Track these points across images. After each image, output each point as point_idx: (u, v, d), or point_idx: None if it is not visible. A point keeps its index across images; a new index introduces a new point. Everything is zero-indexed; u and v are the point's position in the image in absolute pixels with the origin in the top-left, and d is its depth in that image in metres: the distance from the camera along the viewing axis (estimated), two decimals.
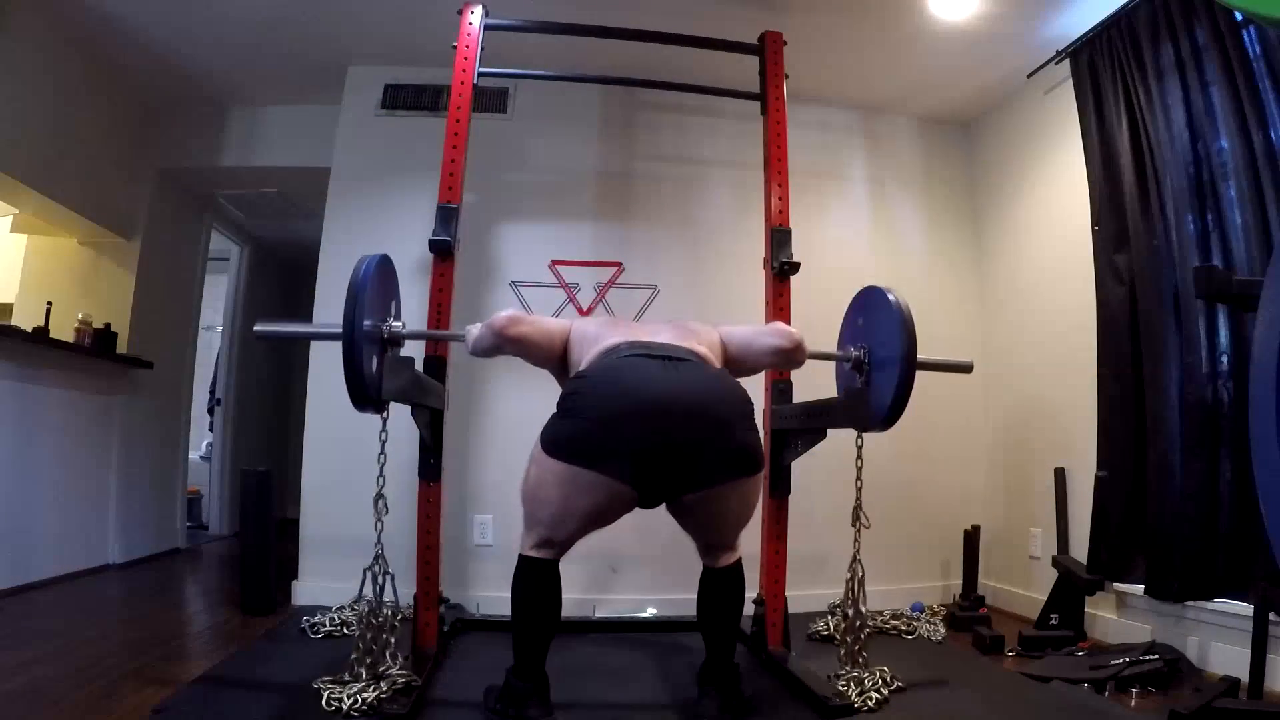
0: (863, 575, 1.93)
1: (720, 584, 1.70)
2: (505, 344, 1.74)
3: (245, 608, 2.61)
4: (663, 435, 1.46)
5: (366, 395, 1.61)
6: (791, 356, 1.84)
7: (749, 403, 1.59)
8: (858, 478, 1.94)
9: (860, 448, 1.94)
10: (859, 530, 1.92)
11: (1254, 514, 1.85)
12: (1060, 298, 2.87)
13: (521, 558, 1.61)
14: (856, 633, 1.93)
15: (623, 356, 1.59)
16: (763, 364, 1.92)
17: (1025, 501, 3.01)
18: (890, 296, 1.84)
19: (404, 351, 1.91)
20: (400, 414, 1.85)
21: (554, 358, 1.78)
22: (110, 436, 3.37)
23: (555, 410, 1.58)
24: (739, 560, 1.72)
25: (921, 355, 1.78)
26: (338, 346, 1.56)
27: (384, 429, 1.79)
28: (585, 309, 3.02)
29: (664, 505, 1.62)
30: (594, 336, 1.71)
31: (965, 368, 2.10)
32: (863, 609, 1.94)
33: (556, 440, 1.53)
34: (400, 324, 1.85)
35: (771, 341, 1.83)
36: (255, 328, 1.84)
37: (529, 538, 1.61)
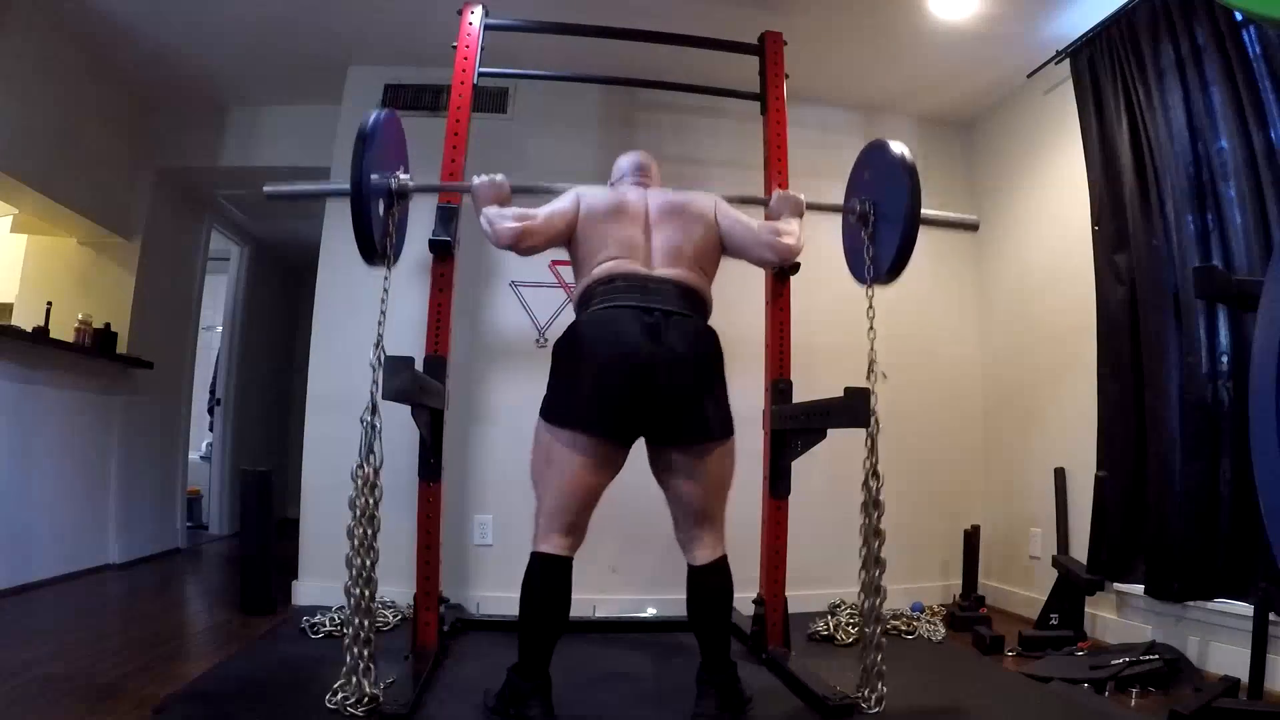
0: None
1: (706, 581, 1.70)
2: (517, 252, 1.80)
3: (245, 608, 2.60)
4: (644, 400, 1.60)
5: (375, 247, 1.60)
6: (783, 263, 1.96)
7: (720, 365, 1.71)
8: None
9: (871, 298, 1.94)
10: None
11: (1254, 514, 1.85)
12: (1060, 298, 2.87)
13: (534, 555, 1.62)
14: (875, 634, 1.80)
15: (612, 307, 1.66)
16: (753, 261, 1.96)
17: (1025, 501, 3.01)
18: (896, 149, 1.86)
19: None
20: (401, 414, 1.85)
21: (562, 241, 1.83)
22: (110, 436, 3.37)
23: (549, 378, 1.69)
24: (723, 557, 1.72)
25: (926, 210, 1.78)
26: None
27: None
28: None
29: (654, 484, 1.72)
30: (597, 240, 1.76)
31: (971, 225, 2.12)
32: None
33: (554, 408, 1.66)
34: (407, 176, 1.84)
35: (767, 255, 1.90)
36: (265, 188, 1.84)
37: (543, 527, 1.63)
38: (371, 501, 1.66)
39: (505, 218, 1.78)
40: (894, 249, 1.83)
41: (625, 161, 2.03)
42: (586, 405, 1.61)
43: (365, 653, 1.63)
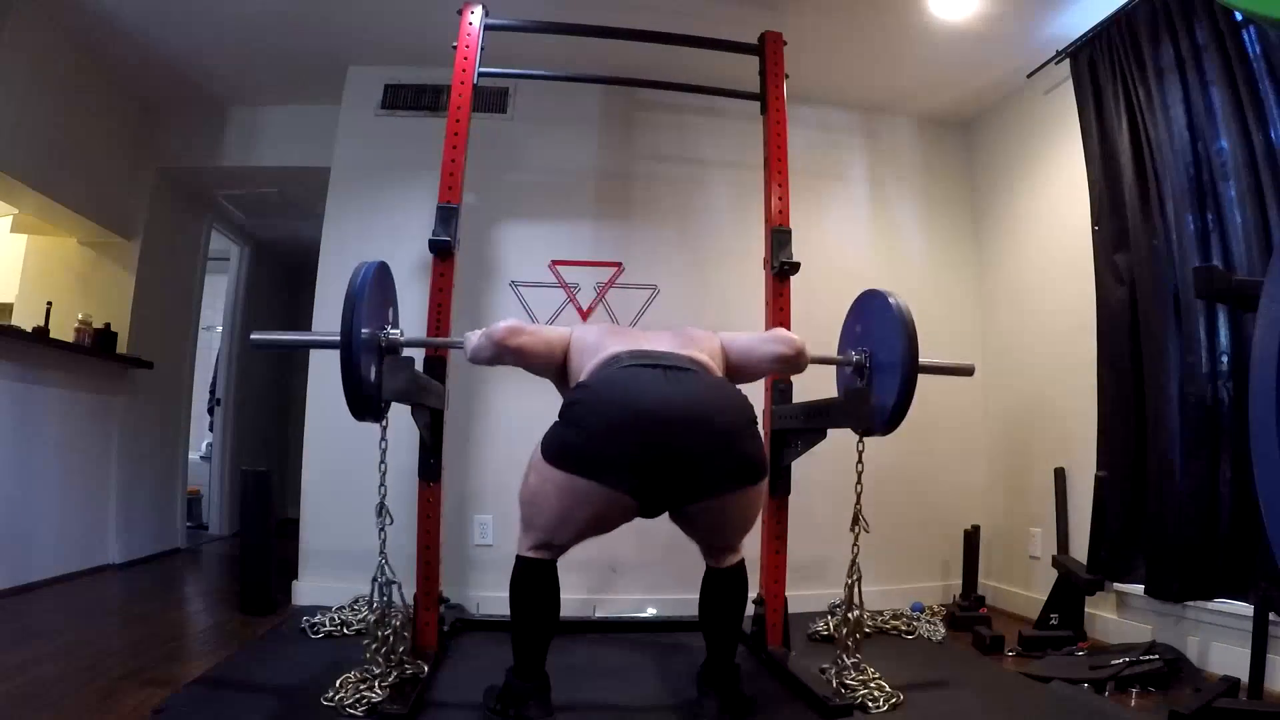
0: (859, 577, 1.89)
1: (722, 584, 1.70)
2: (505, 354, 1.71)
3: (245, 608, 2.60)
4: (664, 446, 1.46)
5: (365, 405, 1.61)
6: (793, 363, 1.83)
7: (750, 409, 1.58)
8: (858, 481, 1.92)
9: (861, 452, 1.92)
10: (858, 535, 1.90)
11: (1254, 514, 1.85)
12: (1060, 298, 2.87)
13: (519, 558, 1.61)
14: (854, 632, 1.91)
15: (624, 366, 1.58)
16: (764, 370, 1.90)
17: (1025, 501, 3.01)
18: (891, 300, 1.85)
19: (403, 353, 1.91)
20: (400, 414, 1.85)
21: (554, 366, 1.76)
22: (110, 436, 3.37)
23: (557, 419, 1.56)
24: (741, 561, 1.72)
25: (923, 359, 1.78)
26: (338, 361, 1.57)
27: (384, 438, 1.78)
28: (585, 309, 3.02)
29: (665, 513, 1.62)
30: (594, 345, 1.69)
31: (967, 371, 2.10)
32: (854, 613, 1.89)
33: (557, 449, 1.52)
34: (398, 331, 1.85)
35: (773, 349, 1.82)
36: (251, 337, 1.84)
37: (526, 539, 1.61)
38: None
39: (496, 325, 1.71)
40: (893, 400, 1.77)
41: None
42: (593, 450, 1.48)
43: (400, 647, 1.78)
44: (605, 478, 1.47)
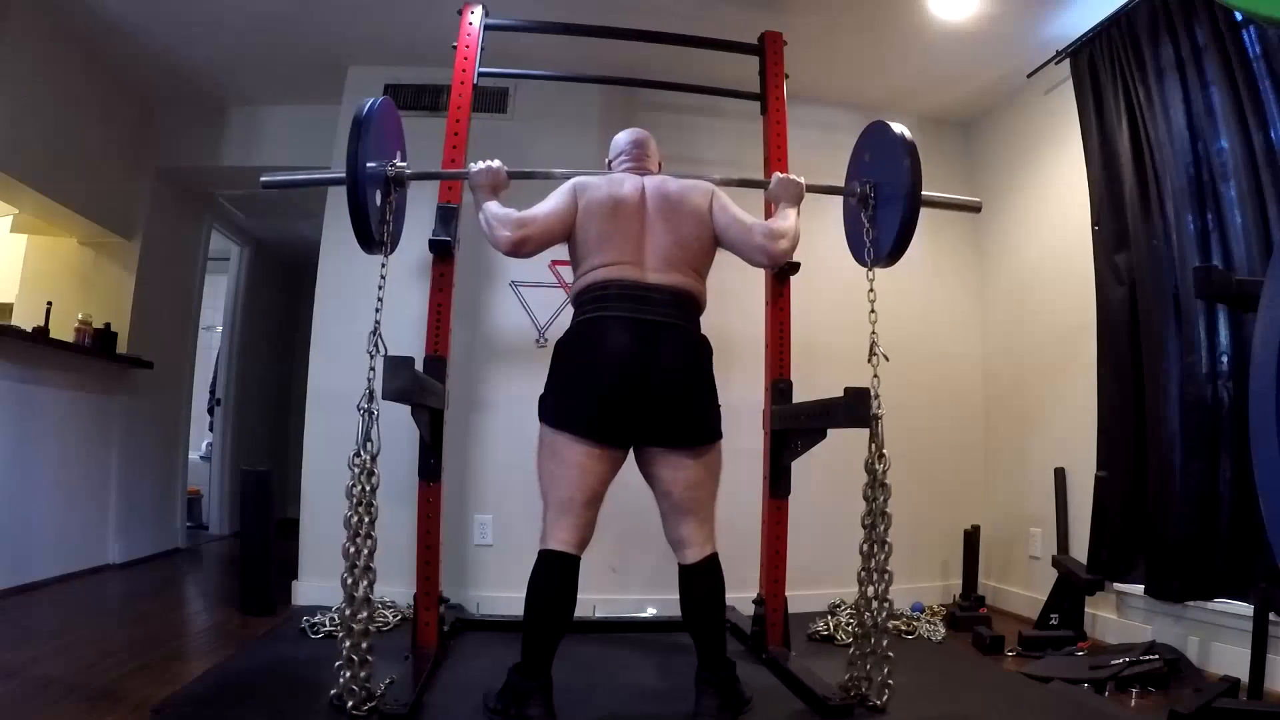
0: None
1: (697, 580, 1.70)
2: (517, 257, 1.82)
3: (245, 608, 2.60)
4: (627, 400, 1.65)
5: (372, 235, 1.62)
6: (776, 261, 1.94)
7: (709, 376, 1.76)
8: (873, 328, 1.86)
9: (874, 318, 1.89)
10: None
11: (1254, 514, 1.85)
12: (1060, 298, 2.87)
13: (543, 553, 1.63)
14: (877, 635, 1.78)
15: (607, 316, 1.68)
16: (748, 262, 1.93)
17: (1025, 501, 3.01)
18: (896, 130, 1.87)
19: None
20: (401, 414, 1.85)
21: (562, 240, 1.83)
22: (110, 436, 3.37)
23: (547, 379, 1.74)
24: (714, 554, 1.72)
25: (927, 192, 1.79)
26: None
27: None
28: None
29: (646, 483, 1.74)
30: (595, 241, 1.77)
31: (974, 207, 2.12)
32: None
33: (548, 411, 1.72)
34: (404, 164, 1.85)
35: (758, 259, 1.87)
36: (262, 179, 1.85)
37: (550, 524, 1.65)
38: (369, 489, 1.66)
39: (504, 224, 1.75)
40: (895, 230, 1.83)
41: (623, 138, 2.02)
42: (579, 410, 1.66)
43: (364, 645, 1.62)
44: (587, 432, 1.66)
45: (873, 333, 1.87)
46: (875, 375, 1.79)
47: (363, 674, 1.62)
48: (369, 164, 1.64)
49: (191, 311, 4.07)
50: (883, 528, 1.75)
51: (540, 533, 1.67)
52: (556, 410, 1.70)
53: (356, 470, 1.65)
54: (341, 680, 1.68)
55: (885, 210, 1.89)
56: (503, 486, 2.83)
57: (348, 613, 1.61)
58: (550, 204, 1.80)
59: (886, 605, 1.75)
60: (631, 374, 1.64)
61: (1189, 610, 2.21)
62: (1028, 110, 3.12)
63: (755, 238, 1.82)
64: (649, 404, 1.66)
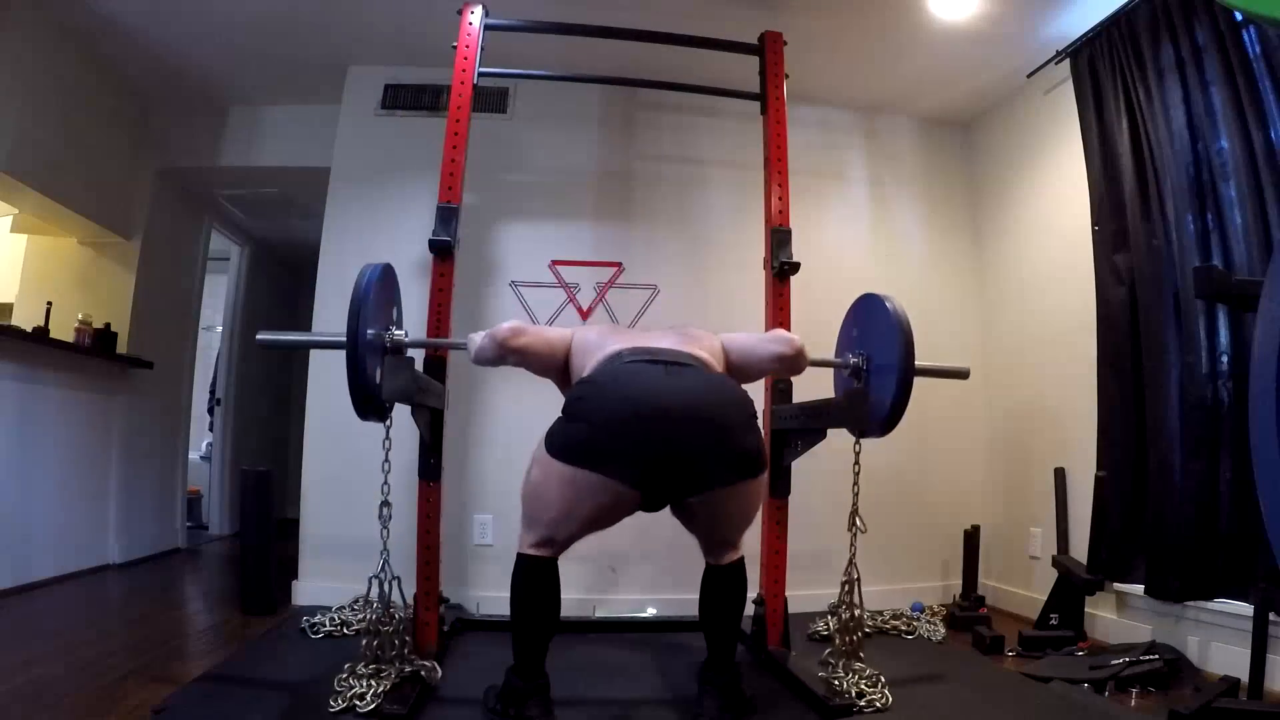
0: (859, 578, 1.92)
1: (722, 582, 1.70)
2: (507, 355, 1.74)
3: (245, 608, 2.60)
4: (666, 440, 1.47)
5: (370, 404, 1.62)
6: (793, 363, 1.83)
7: (750, 404, 1.59)
8: (855, 482, 1.95)
9: (858, 452, 1.95)
10: (855, 535, 1.92)
11: (1254, 514, 1.85)
12: (1060, 298, 2.87)
13: (520, 556, 1.61)
14: (852, 633, 1.93)
15: (626, 362, 1.59)
16: (764, 370, 1.91)
17: (1025, 501, 3.01)
18: (888, 304, 1.86)
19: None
20: (401, 414, 1.85)
21: (556, 367, 1.78)
22: (110, 436, 3.37)
23: (560, 414, 1.57)
24: (741, 558, 1.72)
25: (920, 362, 1.78)
26: (339, 360, 1.57)
27: (388, 436, 1.82)
28: (585, 309, 3.02)
29: (667, 508, 1.62)
30: (596, 344, 1.71)
31: (962, 374, 2.11)
32: (857, 612, 1.93)
33: (562, 443, 1.53)
34: (402, 332, 1.87)
35: (773, 349, 1.81)
36: (258, 336, 1.84)
37: (528, 536, 1.61)
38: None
39: (498, 327, 1.74)
40: (889, 403, 1.78)
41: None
42: (597, 442, 1.49)
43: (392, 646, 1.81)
44: (609, 469, 1.48)
45: (854, 504, 1.95)
46: (853, 546, 1.91)
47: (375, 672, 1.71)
48: (368, 332, 1.62)
49: (191, 311, 4.07)
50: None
51: (518, 534, 1.63)
52: (563, 441, 1.53)
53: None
54: (343, 680, 1.70)
55: (879, 382, 1.87)
56: (503, 486, 2.82)
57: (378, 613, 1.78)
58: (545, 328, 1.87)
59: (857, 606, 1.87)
60: (658, 404, 1.47)
61: (1189, 610, 2.21)
62: (1028, 110, 3.12)
63: (766, 335, 1.88)
64: (685, 443, 1.47)
